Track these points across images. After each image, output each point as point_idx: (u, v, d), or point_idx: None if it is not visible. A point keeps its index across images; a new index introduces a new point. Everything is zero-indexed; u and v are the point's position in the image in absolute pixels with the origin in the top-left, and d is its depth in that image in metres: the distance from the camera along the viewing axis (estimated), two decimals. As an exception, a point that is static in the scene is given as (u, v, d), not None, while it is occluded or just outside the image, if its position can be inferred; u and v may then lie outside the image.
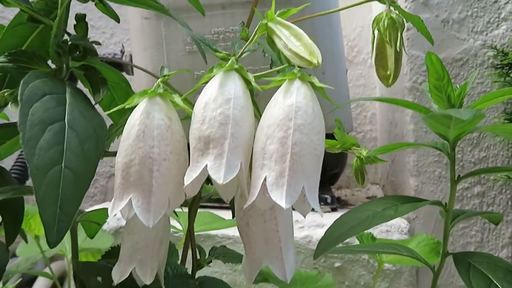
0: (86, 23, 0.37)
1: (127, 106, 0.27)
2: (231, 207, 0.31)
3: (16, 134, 0.41)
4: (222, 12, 0.89)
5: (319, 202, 0.83)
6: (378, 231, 0.78)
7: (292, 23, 0.30)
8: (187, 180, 0.25)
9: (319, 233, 0.80)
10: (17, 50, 0.35)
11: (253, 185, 0.25)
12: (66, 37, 0.37)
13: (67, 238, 0.75)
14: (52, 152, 0.27)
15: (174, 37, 0.90)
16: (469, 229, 0.94)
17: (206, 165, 0.24)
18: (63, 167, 0.27)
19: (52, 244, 0.25)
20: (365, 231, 0.66)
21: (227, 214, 0.69)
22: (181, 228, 0.63)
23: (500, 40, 0.92)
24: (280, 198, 0.23)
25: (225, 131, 0.24)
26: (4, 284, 0.51)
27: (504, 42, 0.91)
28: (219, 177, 0.24)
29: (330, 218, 0.84)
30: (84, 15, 0.37)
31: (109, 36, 1.36)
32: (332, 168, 1.02)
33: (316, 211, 0.76)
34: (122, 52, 1.09)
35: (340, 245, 0.73)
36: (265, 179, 0.24)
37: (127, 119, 0.39)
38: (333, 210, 0.92)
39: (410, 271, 0.77)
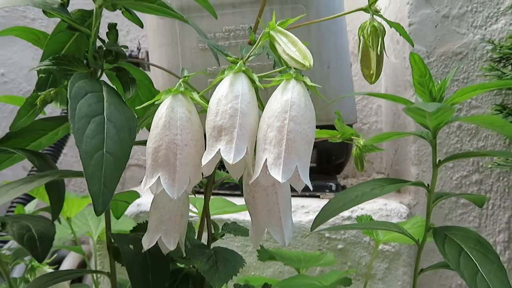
0: (117, 31, 0.43)
1: (156, 102, 0.33)
2: (239, 185, 0.37)
3: (56, 127, 0.48)
4: (232, 11, 0.95)
5: (325, 190, 0.88)
6: (378, 215, 0.84)
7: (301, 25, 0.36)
8: (204, 161, 0.31)
9: (324, 217, 0.86)
10: (60, 54, 0.42)
11: (256, 165, 0.31)
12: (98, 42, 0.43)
13: (92, 222, 0.82)
14: (95, 140, 0.33)
15: (188, 35, 0.96)
16: (467, 215, 0.99)
17: (219, 149, 0.30)
18: (105, 152, 0.33)
19: (98, 212, 0.31)
20: (365, 214, 0.72)
21: (237, 201, 0.76)
22: (196, 211, 0.69)
23: (498, 35, 0.96)
24: (277, 174, 0.29)
25: (234, 121, 0.30)
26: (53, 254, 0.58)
27: (502, 36, 0.95)
28: (230, 158, 0.30)
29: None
30: (115, 24, 0.43)
31: (125, 33, 1.43)
32: (337, 157, 1.08)
33: (322, 198, 0.82)
34: (139, 49, 1.15)
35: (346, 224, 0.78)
36: (266, 160, 0.30)
37: (150, 114, 0.45)
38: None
39: (408, 253, 0.83)
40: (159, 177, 0.32)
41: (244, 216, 0.87)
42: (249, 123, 0.31)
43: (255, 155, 0.32)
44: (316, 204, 0.89)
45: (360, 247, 0.84)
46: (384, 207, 0.86)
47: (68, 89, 0.35)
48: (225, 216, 0.83)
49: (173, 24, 0.97)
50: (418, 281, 0.87)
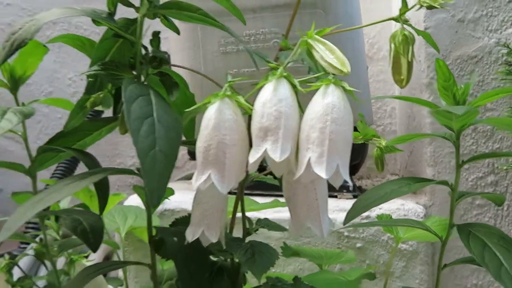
0: (159, 38, 0.46)
1: (208, 104, 0.36)
2: (278, 181, 0.40)
3: (100, 128, 0.51)
4: (253, 16, 0.98)
5: (342, 190, 0.92)
6: (396, 215, 0.86)
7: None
8: (252, 159, 0.34)
9: (341, 216, 0.88)
10: (107, 60, 0.45)
11: (300, 163, 0.34)
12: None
13: (119, 219, 0.86)
14: (149, 139, 0.36)
15: (209, 39, 0.99)
16: (483, 216, 1.00)
17: (266, 148, 0.33)
18: (157, 150, 0.36)
19: (154, 205, 0.34)
20: (384, 213, 0.75)
21: (258, 200, 0.79)
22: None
23: (513, 38, 0.98)
24: (321, 171, 0.32)
25: (279, 123, 0.33)
26: (79, 252, 0.61)
27: (518, 40, 0.97)
28: (276, 156, 0.33)
29: (352, 204, 0.93)
30: (159, 32, 0.46)
31: (148, 35, 1.46)
32: (353, 159, 1.10)
33: (339, 198, 0.85)
34: (160, 53, 1.19)
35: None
36: (309, 159, 0.33)
37: (187, 115, 0.48)
38: (355, 197, 1.00)
39: (426, 251, 0.85)
40: (209, 174, 0.35)
41: (264, 214, 0.90)
42: (292, 125, 0.34)
43: (296, 154, 0.35)
44: (334, 204, 0.92)
45: (378, 245, 0.86)
46: (401, 207, 0.88)
47: (122, 92, 0.38)
48: (248, 214, 0.85)
49: (195, 28, 1.00)
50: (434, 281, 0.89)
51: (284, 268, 0.89)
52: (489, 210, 1.00)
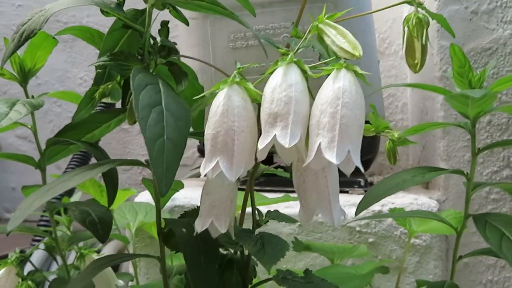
0: (168, 28, 0.46)
1: (217, 91, 0.36)
2: (288, 169, 0.39)
3: (109, 120, 0.51)
4: (262, 11, 0.97)
5: (353, 185, 0.91)
6: (409, 209, 0.85)
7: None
8: (261, 146, 0.33)
9: (353, 211, 0.87)
10: (116, 51, 0.45)
11: (310, 149, 0.33)
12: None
13: (130, 215, 0.85)
14: (157, 127, 0.36)
15: (218, 35, 0.99)
16: (498, 210, 0.98)
17: (275, 134, 0.33)
18: (165, 139, 0.35)
19: (163, 193, 0.34)
20: (397, 207, 0.73)
21: (268, 195, 0.78)
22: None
23: (529, 29, 0.95)
24: (332, 157, 0.31)
25: (289, 108, 0.33)
26: (93, 245, 0.61)
27: (533, 31, 0.95)
28: (286, 142, 0.32)
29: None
30: (167, 21, 0.46)
31: (156, 34, 1.47)
32: (364, 154, 1.08)
33: (351, 193, 0.84)
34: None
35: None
36: (319, 144, 0.32)
37: (197, 106, 0.48)
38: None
39: (440, 246, 0.83)
40: (217, 161, 0.34)
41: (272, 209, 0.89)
42: (302, 110, 0.33)
43: (306, 140, 0.34)
44: (345, 199, 0.90)
45: (391, 240, 0.85)
46: (414, 201, 0.86)
47: (131, 81, 0.37)
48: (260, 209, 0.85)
49: (204, 24, 1.00)
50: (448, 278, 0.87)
51: (295, 264, 0.88)
52: (504, 205, 0.98)
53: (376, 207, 0.85)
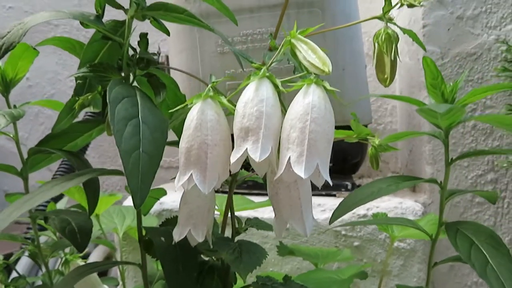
0: (147, 40, 0.47)
1: (188, 106, 0.37)
2: (258, 184, 0.40)
3: (90, 129, 0.51)
4: (250, 16, 0.98)
5: (341, 189, 0.91)
6: (394, 213, 0.86)
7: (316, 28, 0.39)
8: (233, 159, 0.34)
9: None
10: (96, 62, 0.46)
11: (280, 162, 0.34)
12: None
13: (117, 220, 0.86)
14: (133, 140, 0.36)
15: (206, 40, 1.00)
16: (483, 213, 1.00)
17: (247, 148, 0.33)
18: (141, 151, 0.36)
19: (137, 205, 0.34)
20: (380, 212, 0.74)
21: (255, 199, 0.79)
22: (217, 208, 0.72)
23: (513, 35, 0.97)
24: (300, 171, 0.32)
25: (260, 123, 0.33)
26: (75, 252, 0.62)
27: (517, 37, 0.96)
28: (256, 156, 0.33)
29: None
30: (146, 33, 0.47)
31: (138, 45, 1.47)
32: (353, 157, 1.10)
33: (338, 196, 0.85)
34: (159, 53, 1.19)
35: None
36: (289, 158, 0.33)
37: (177, 116, 0.48)
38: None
39: (423, 250, 0.85)
40: (191, 174, 0.35)
41: (262, 214, 0.90)
42: (273, 124, 0.34)
43: (278, 154, 0.35)
44: (332, 203, 0.91)
45: (375, 244, 0.86)
46: (399, 205, 0.88)
47: (107, 94, 0.38)
48: (244, 213, 0.86)
49: (192, 30, 1.00)
50: (433, 279, 0.88)
51: (282, 267, 0.89)
52: (489, 208, 0.99)
53: (361, 211, 0.87)
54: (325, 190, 0.96)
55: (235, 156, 0.34)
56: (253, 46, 0.97)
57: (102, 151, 1.52)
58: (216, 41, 0.99)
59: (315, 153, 0.32)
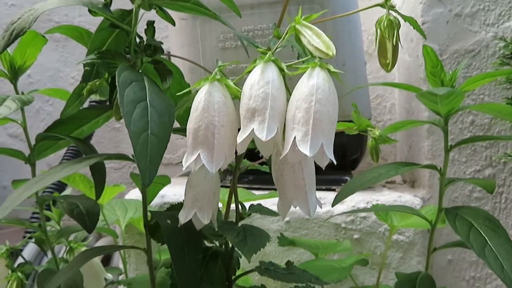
0: (154, 27, 0.48)
1: (192, 90, 0.38)
2: (264, 176, 0.41)
3: (97, 116, 0.52)
4: (251, 12, 0.99)
5: (340, 183, 0.92)
6: (393, 207, 0.87)
7: (316, 22, 0.40)
8: (239, 139, 0.35)
9: (339, 208, 0.89)
10: (104, 49, 0.47)
11: (286, 142, 0.35)
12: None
13: (120, 212, 0.87)
14: (141, 122, 0.37)
15: (208, 35, 1.01)
16: (481, 208, 1.01)
17: (253, 129, 0.34)
18: (149, 133, 0.37)
19: (146, 184, 0.35)
20: (380, 203, 0.75)
21: (257, 193, 0.80)
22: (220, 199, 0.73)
23: (510, 32, 0.98)
24: (305, 149, 0.33)
25: (266, 104, 0.34)
26: (83, 240, 0.63)
27: (514, 34, 0.98)
28: (263, 136, 0.34)
29: (350, 197, 0.93)
30: (153, 21, 0.48)
31: (144, 33, 1.49)
32: (352, 153, 1.11)
33: (337, 191, 0.86)
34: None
35: (362, 215, 0.82)
36: (295, 138, 0.34)
37: (182, 104, 0.49)
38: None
39: (422, 243, 0.86)
40: (198, 154, 0.36)
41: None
42: (278, 106, 0.35)
43: (283, 136, 0.36)
44: (331, 197, 0.92)
45: (375, 237, 0.87)
46: (398, 199, 0.89)
47: (116, 78, 0.39)
48: (246, 205, 0.87)
49: (194, 25, 1.01)
50: (432, 273, 0.89)
51: (282, 260, 0.90)
52: (487, 203, 1.00)
53: (361, 204, 0.88)
54: (325, 185, 0.97)
55: (242, 136, 0.35)
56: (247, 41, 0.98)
57: (103, 147, 1.53)
58: (218, 36, 1.00)
59: (320, 133, 0.33)
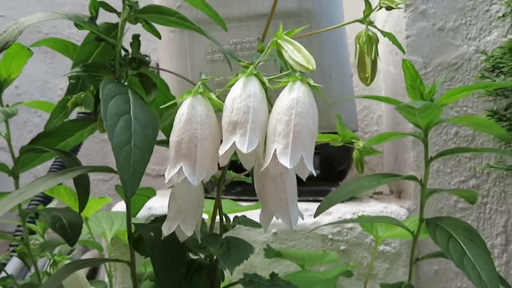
0: (139, 41, 0.48)
1: (178, 102, 0.38)
2: (251, 189, 0.41)
3: (82, 128, 0.53)
4: (239, 25, 1.01)
5: (326, 195, 0.92)
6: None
7: (302, 36, 0.41)
8: (221, 151, 0.35)
9: (326, 220, 0.90)
10: (89, 62, 0.47)
11: (267, 154, 0.35)
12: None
13: (106, 224, 0.86)
14: (124, 135, 0.38)
15: (196, 47, 1.02)
16: (465, 218, 1.02)
17: (235, 141, 0.35)
18: (132, 146, 0.37)
19: (128, 197, 0.35)
20: (366, 214, 0.76)
21: (243, 204, 0.80)
22: (205, 210, 0.73)
23: (492, 46, 1.01)
24: (286, 161, 0.34)
25: (247, 117, 0.35)
26: (68, 254, 0.62)
27: (495, 48, 1.00)
28: (244, 148, 0.34)
29: (337, 208, 0.94)
30: (139, 35, 0.48)
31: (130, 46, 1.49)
32: (339, 164, 1.12)
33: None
34: (149, 60, 1.21)
35: (348, 226, 0.82)
36: (275, 151, 0.35)
37: (167, 116, 0.50)
38: (340, 202, 1.02)
39: (408, 253, 0.86)
40: (181, 166, 0.36)
41: (249, 217, 0.91)
42: (260, 119, 0.36)
43: (264, 147, 0.37)
44: (319, 208, 0.93)
45: (362, 248, 0.87)
46: (384, 209, 0.89)
47: (100, 91, 0.39)
48: (232, 216, 0.87)
49: (182, 37, 1.02)
50: (419, 285, 0.89)
51: (269, 272, 0.90)
52: (471, 213, 1.02)
53: (347, 215, 0.88)
54: (312, 196, 0.98)
55: (224, 149, 0.35)
56: (242, 54, 0.99)
57: (90, 159, 1.52)
58: (206, 48, 1.01)
59: (300, 145, 0.34)
